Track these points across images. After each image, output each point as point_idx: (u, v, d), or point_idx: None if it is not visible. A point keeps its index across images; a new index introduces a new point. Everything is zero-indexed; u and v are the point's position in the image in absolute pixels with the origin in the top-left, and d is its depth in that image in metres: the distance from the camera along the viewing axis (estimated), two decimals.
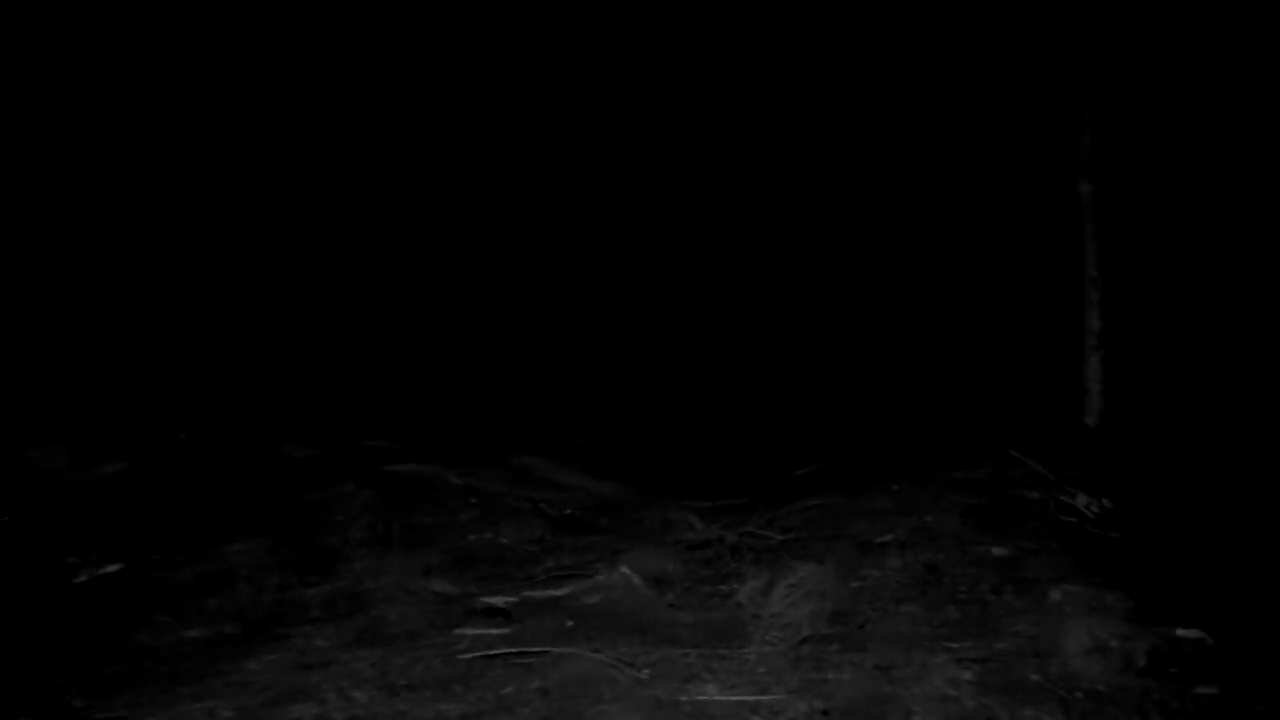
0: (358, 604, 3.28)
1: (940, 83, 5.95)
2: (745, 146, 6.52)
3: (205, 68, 5.99)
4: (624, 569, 3.45)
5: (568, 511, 4.59)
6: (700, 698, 2.66)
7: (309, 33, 6.06)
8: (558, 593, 3.34)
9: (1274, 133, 5.08)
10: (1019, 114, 5.65)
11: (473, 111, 6.54)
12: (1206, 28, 5.17)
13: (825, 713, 2.53)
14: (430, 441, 5.41)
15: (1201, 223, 5.29)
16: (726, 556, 3.79)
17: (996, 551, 3.52)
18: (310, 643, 2.97)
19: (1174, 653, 2.87)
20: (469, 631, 3.07)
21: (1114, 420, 4.79)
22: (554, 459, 5.36)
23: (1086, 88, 4.67)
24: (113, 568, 3.32)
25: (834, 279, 6.58)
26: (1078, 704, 2.53)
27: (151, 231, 6.02)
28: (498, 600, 3.29)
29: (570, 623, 3.14)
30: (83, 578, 3.26)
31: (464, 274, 6.72)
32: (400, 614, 3.21)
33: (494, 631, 3.06)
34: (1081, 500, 4.31)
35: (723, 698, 2.66)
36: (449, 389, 6.42)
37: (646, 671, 2.79)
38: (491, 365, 6.65)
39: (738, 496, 4.78)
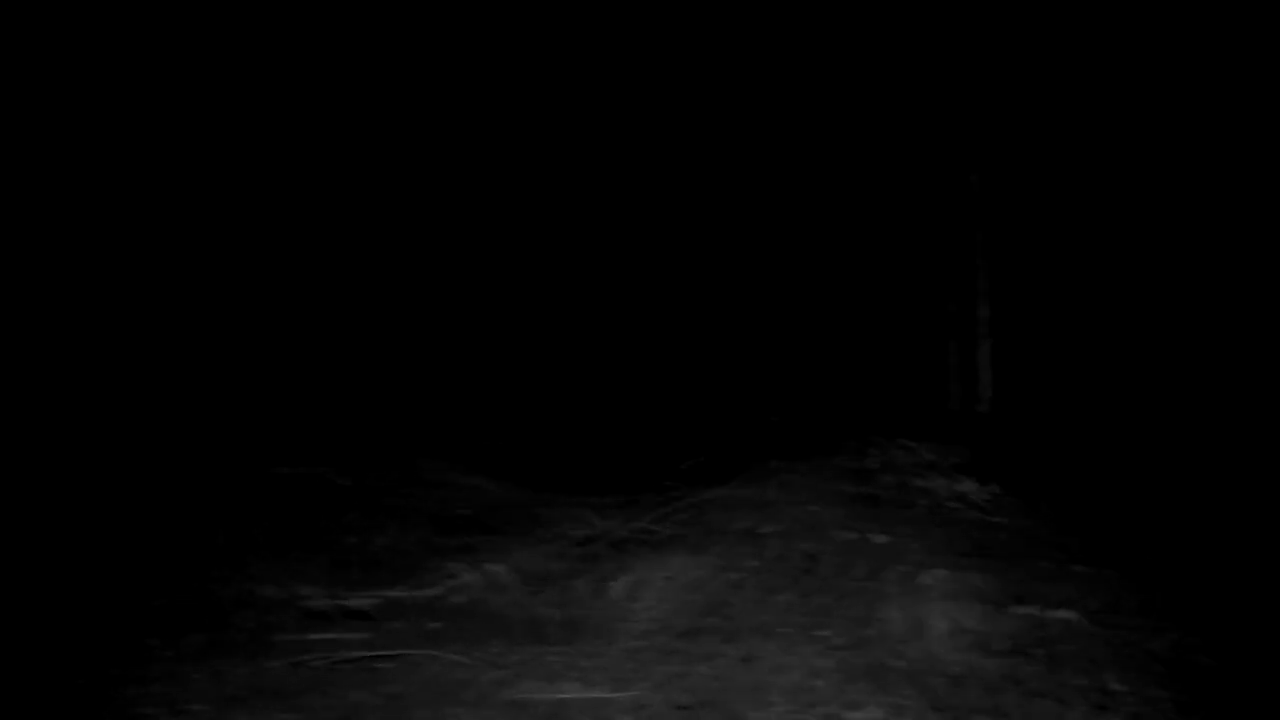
0: (213, 612, 3.11)
1: (822, 74, 5.93)
2: (633, 147, 6.42)
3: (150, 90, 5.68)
4: (498, 567, 3.35)
5: (460, 511, 4.47)
6: (560, 696, 2.56)
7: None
8: (427, 594, 3.22)
9: (1157, 124, 5.19)
10: (903, 109, 5.67)
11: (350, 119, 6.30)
12: (1091, 19, 5.25)
13: (683, 707, 2.46)
14: (324, 444, 5.22)
15: (1085, 213, 5.39)
16: (612, 553, 3.71)
17: (877, 539, 3.51)
18: (154, 654, 2.79)
19: (1040, 634, 2.88)
20: (326, 637, 2.92)
21: (1004, 407, 4.86)
22: (453, 460, 5.23)
23: (973, 82, 4.73)
24: None
25: (732, 279, 6.53)
26: (936, 687, 2.50)
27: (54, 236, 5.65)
28: (362, 603, 3.15)
29: (436, 624, 3.02)
30: None
31: (361, 276, 6.51)
32: (258, 621, 3.06)
33: (353, 636, 2.93)
34: (969, 486, 4.36)
35: (583, 695, 2.57)
36: (350, 391, 6.22)
37: (507, 672, 2.69)
38: (394, 367, 6.46)
39: (643, 492, 4.73)
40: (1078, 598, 3.21)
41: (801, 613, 2.95)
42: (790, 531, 3.60)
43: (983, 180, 4.76)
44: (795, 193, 6.22)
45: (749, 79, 6.02)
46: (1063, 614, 3.07)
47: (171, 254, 5.86)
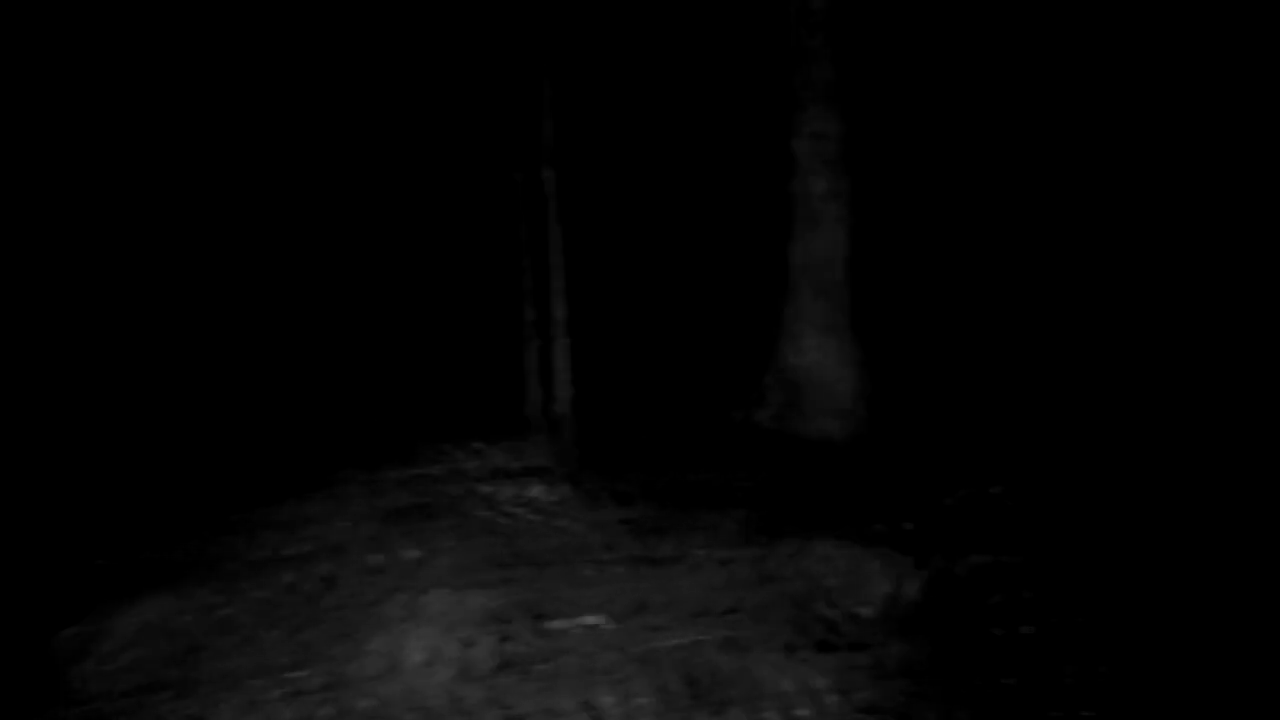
0: None
1: (385, 66, 5.59)
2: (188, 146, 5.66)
3: None
4: None
5: None
6: None
7: None
8: None
9: (744, 111, 5.34)
10: (472, 99, 5.50)
11: None
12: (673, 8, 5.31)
13: None
14: None
15: (661, 207, 5.54)
16: (89, 593, 3.08)
17: (408, 555, 3.23)
18: None
19: (550, 647, 2.75)
20: None
21: (583, 407, 4.83)
22: None
23: (546, 71, 4.62)
24: None
25: (325, 286, 5.99)
26: None
27: None
28: None
29: None
30: None
31: None
32: None
33: None
34: (537, 490, 4.23)
35: None
36: None
37: None
38: None
39: (173, 519, 4.08)
40: (609, 602, 3.14)
41: (286, 652, 2.58)
42: (316, 553, 3.22)
43: (557, 177, 4.67)
44: (369, 197, 5.81)
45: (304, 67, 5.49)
46: (588, 620, 2.98)
47: None
